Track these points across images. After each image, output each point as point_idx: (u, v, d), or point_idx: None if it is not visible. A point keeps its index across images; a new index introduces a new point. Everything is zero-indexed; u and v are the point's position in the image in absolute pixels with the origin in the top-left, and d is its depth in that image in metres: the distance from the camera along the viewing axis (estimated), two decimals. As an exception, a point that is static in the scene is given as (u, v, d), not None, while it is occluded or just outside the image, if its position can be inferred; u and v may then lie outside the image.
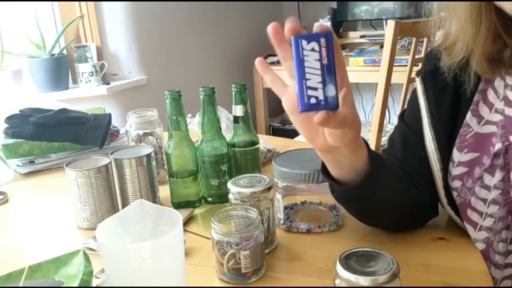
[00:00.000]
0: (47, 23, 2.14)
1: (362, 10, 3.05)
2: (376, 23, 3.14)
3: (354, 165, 0.64)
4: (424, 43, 2.02)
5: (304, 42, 0.53)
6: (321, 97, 0.53)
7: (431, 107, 0.73)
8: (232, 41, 3.02)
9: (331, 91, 0.53)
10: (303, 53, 0.53)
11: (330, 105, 0.53)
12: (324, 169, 0.68)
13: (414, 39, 1.91)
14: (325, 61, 0.53)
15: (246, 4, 3.08)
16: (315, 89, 0.53)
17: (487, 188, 0.68)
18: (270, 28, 0.56)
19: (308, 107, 0.53)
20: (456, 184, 0.71)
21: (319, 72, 0.53)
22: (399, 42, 2.07)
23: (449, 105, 0.73)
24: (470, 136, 0.71)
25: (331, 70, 0.53)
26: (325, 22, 3.07)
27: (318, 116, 0.53)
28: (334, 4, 3.13)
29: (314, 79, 0.53)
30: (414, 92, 0.77)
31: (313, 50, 0.53)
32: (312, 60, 0.53)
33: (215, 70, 2.90)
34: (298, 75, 0.53)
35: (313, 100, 0.53)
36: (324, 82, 0.53)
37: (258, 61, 0.61)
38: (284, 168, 0.76)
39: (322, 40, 0.53)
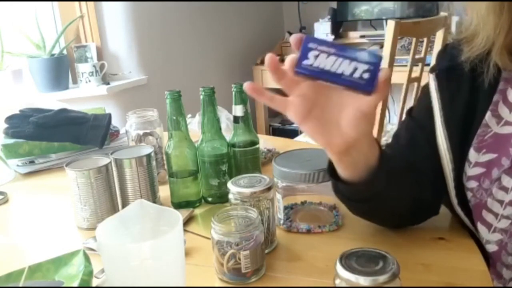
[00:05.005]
0: (47, 23, 2.14)
1: (362, 10, 3.05)
2: (376, 23, 3.14)
3: (368, 161, 0.63)
4: (424, 43, 2.01)
5: (305, 62, 0.54)
6: (365, 67, 0.53)
7: (446, 105, 0.71)
8: (232, 41, 3.02)
9: (363, 56, 0.53)
10: (317, 66, 0.53)
11: (376, 63, 0.53)
12: (331, 172, 0.66)
13: (414, 39, 1.90)
14: (332, 50, 0.53)
15: (246, 4, 3.08)
16: (355, 69, 0.53)
17: (505, 189, 0.67)
18: (267, 59, 0.55)
19: (372, 83, 0.53)
20: (472, 184, 0.70)
21: (340, 59, 0.53)
22: (399, 42, 2.07)
23: (463, 103, 0.71)
24: (489, 136, 0.69)
25: (342, 47, 0.53)
26: (325, 22, 3.07)
27: (385, 71, 0.53)
28: (334, 4, 3.13)
29: (345, 66, 0.53)
30: (425, 90, 0.75)
31: (316, 56, 0.53)
32: (325, 60, 0.53)
33: (215, 70, 2.90)
34: (337, 80, 0.54)
35: (365, 75, 0.53)
36: (351, 58, 0.53)
37: (249, 87, 0.56)
38: (284, 168, 0.76)
39: (310, 44, 0.54)
